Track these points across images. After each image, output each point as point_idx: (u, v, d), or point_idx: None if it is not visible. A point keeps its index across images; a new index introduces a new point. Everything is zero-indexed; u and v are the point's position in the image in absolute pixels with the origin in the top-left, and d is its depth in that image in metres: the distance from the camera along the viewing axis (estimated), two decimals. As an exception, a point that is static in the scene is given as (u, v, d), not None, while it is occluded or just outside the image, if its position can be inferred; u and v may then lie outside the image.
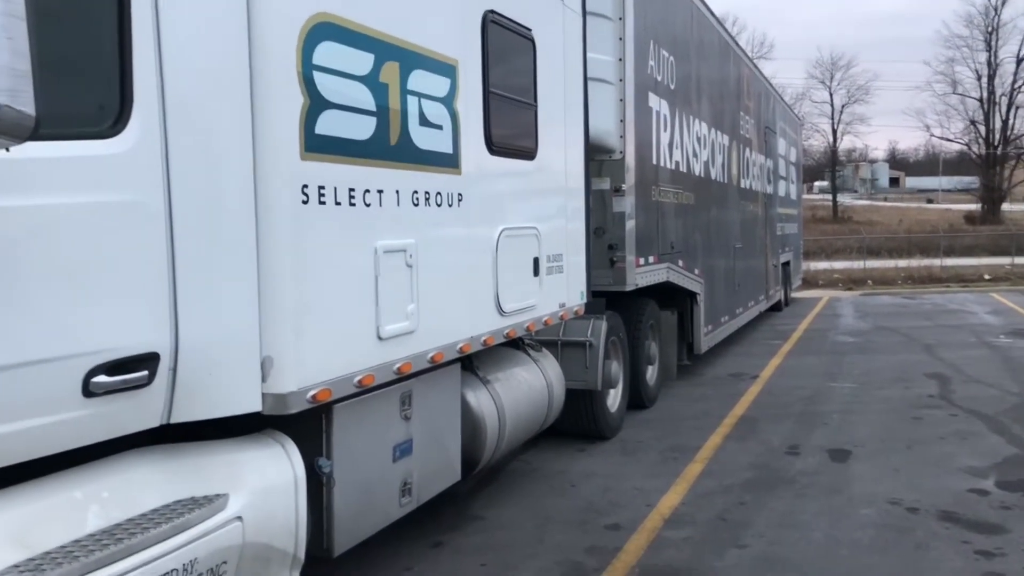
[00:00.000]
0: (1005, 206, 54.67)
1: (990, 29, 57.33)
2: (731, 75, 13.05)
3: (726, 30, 13.24)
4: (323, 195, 3.65)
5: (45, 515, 2.77)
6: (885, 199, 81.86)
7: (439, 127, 4.58)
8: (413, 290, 4.29)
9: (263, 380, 3.41)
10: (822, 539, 5.40)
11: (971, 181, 62.25)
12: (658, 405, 9.38)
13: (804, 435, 8.01)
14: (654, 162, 9.01)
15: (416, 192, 4.35)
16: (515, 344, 6.14)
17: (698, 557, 5.16)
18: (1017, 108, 56.69)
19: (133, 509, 3.01)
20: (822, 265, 30.76)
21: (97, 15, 2.93)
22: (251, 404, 3.40)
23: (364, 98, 3.94)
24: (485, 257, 5.14)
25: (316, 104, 3.61)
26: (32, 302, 2.65)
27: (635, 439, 7.98)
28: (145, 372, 3.02)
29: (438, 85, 4.56)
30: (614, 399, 8.23)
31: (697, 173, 10.86)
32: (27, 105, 2.11)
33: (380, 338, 4.04)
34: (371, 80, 3.98)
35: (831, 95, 64.85)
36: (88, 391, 2.84)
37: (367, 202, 3.95)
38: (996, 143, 57.19)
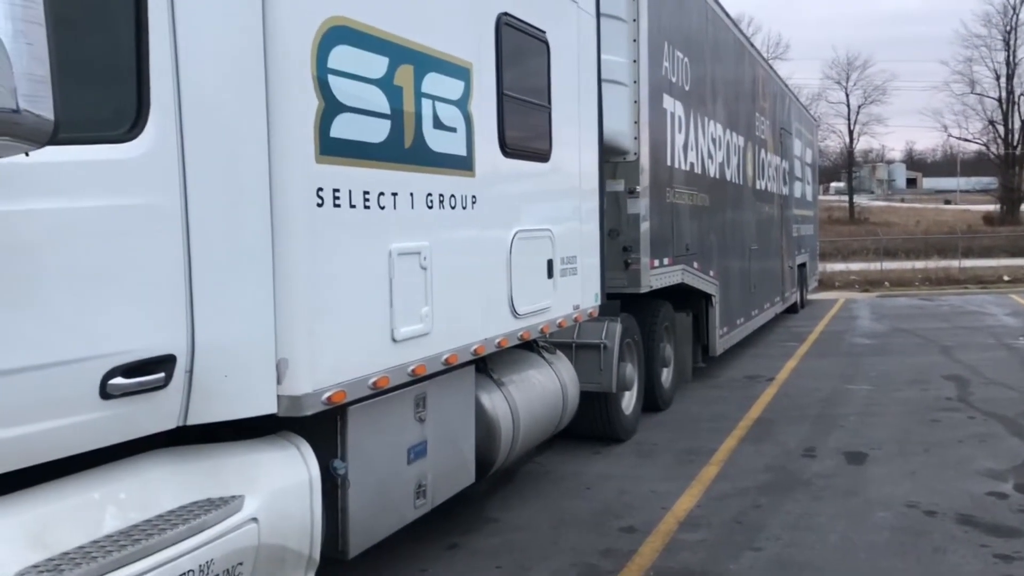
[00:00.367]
0: (1024, 207, 54.23)
1: (1009, 28, 56.97)
2: (746, 76, 13.00)
3: (741, 31, 13.21)
4: (338, 198, 3.67)
5: (63, 516, 2.80)
6: (902, 200, 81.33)
7: (453, 129, 4.59)
8: (427, 292, 4.31)
9: (278, 382, 3.43)
10: (838, 542, 5.37)
11: (990, 182, 61.79)
12: (673, 407, 9.35)
13: (820, 437, 7.97)
14: (669, 163, 8.99)
15: (430, 194, 4.36)
16: (529, 346, 6.14)
17: (713, 560, 5.14)
18: (1035, 108, 56.26)
19: (150, 510, 3.03)
20: (838, 267, 30.57)
21: (114, 21, 2.95)
22: (266, 406, 3.42)
23: (379, 101, 3.96)
24: (499, 259, 5.14)
25: (331, 107, 3.62)
26: (50, 305, 2.68)
27: (650, 441, 7.96)
28: (162, 374, 3.04)
29: (452, 88, 4.57)
30: (629, 401, 8.21)
31: (712, 174, 10.83)
32: (46, 110, 2.13)
33: (394, 340, 4.06)
34: (385, 83, 4.00)
35: (847, 95, 64.60)
36: (105, 393, 2.86)
37: (381, 205, 3.97)
38: (1015, 143, 56.76)
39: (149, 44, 2.98)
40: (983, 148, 61.86)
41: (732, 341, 11.79)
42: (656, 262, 8.44)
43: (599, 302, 6.81)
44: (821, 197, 31.52)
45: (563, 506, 6.17)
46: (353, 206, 3.77)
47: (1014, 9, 56.16)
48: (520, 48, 5.42)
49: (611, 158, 7.85)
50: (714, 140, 10.92)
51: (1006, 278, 26.95)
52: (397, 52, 4.08)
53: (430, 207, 4.36)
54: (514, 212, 5.36)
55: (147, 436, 3.14)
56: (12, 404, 2.61)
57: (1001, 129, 57.79)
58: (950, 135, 73.99)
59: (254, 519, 3.29)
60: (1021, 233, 37.74)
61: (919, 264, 30.03)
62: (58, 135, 2.20)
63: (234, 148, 3.28)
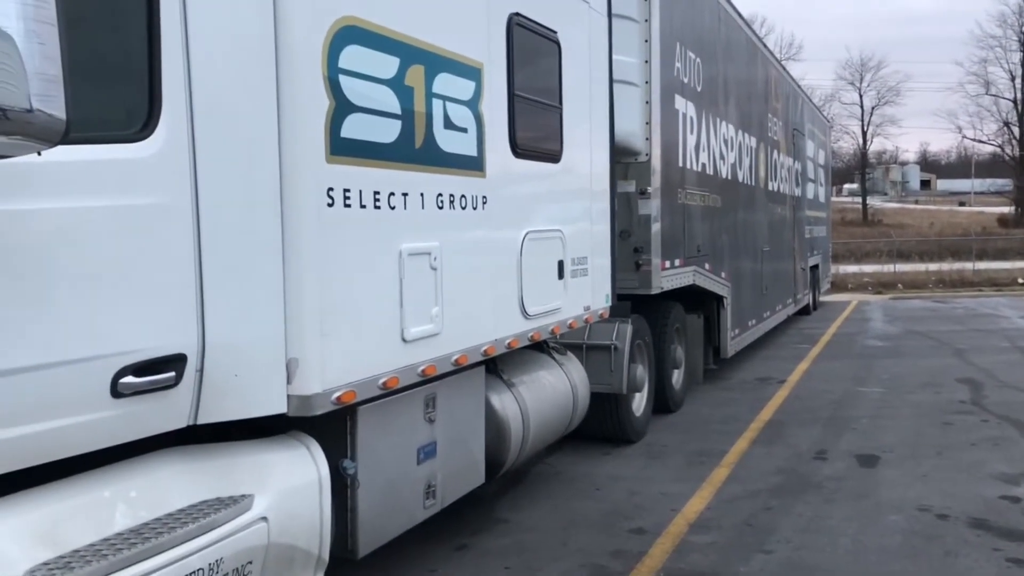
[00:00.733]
0: (1039, 208, 53.82)
1: (1024, 29, 56.52)
2: (758, 76, 12.96)
3: (753, 31, 13.16)
4: (348, 198, 3.67)
5: (74, 513, 2.81)
6: (916, 202, 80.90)
7: (464, 130, 4.59)
8: (437, 293, 4.31)
9: (288, 382, 3.44)
10: (849, 545, 5.34)
11: (1004, 183, 61.39)
12: (684, 409, 9.33)
13: (832, 440, 7.93)
14: (680, 164, 8.97)
15: (441, 195, 4.37)
16: (540, 347, 6.14)
17: (723, 562, 5.12)
18: (1052, 109, 55.85)
19: (160, 509, 3.04)
20: (851, 268, 30.44)
21: (126, 20, 2.97)
22: (276, 405, 3.43)
23: (389, 101, 3.96)
24: (509, 260, 5.14)
25: (342, 107, 3.63)
26: (62, 303, 2.69)
27: (661, 443, 7.94)
28: (172, 373, 3.05)
29: (463, 88, 4.58)
30: (639, 403, 8.19)
31: (724, 175, 10.80)
32: (58, 109, 2.14)
33: (404, 340, 4.06)
34: (396, 83, 4.00)
35: (861, 96, 64.31)
36: (116, 392, 2.87)
37: (392, 205, 3.97)
38: (1030, 145, 56.33)
39: (161, 44, 2.99)
40: (998, 150, 61.49)
41: (744, 343, 11.76)
42: (667, 263, 8.42)
43: (610, 303, 6.80)
44: (834, 198, 31.39)
45: (573, 507, 6.17)
46: (363, 206, 3.77)
47: (1030, 10, 55.79)
48: (531, 48, 5.41)
49: (622, 159, 7.83)
50: (726, 141, 10.89)
51: (1021, 280, 26.78)
52: (408, 52, 4.08)
53: (440, 207, 4.37)
54: (525, 213, 5.36)
55: (157, 435, 3.15)
56: (25, 402, 2.62)
57: (1016, 131, 57.41)
58: (964, 137, 73.65)
59: (263, 518, 3.30)
60: (1036, 235, 37.47)
61: (933, 266, 29.88)
62: (70, 134, 2.21)
63: (245, 148, 3.29)
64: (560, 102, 5.83)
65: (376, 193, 3.86)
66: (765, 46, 14.10)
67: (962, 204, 74.94)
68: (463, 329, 4.57)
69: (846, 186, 74.65)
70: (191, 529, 2.97)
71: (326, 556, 3.67)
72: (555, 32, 5.71)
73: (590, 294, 6.34)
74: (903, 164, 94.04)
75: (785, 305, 15.05)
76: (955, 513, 5.84)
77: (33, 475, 2.77)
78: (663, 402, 8.84)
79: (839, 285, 25.92)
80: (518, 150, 5.19)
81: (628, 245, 8.05)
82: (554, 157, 5.78)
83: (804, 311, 18.05)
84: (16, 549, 2.60)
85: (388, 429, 4.18)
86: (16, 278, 2.57)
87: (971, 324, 16.87)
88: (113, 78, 2.99)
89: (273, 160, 3.36)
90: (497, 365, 5.46)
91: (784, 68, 15.98)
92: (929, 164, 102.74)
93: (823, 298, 21.18)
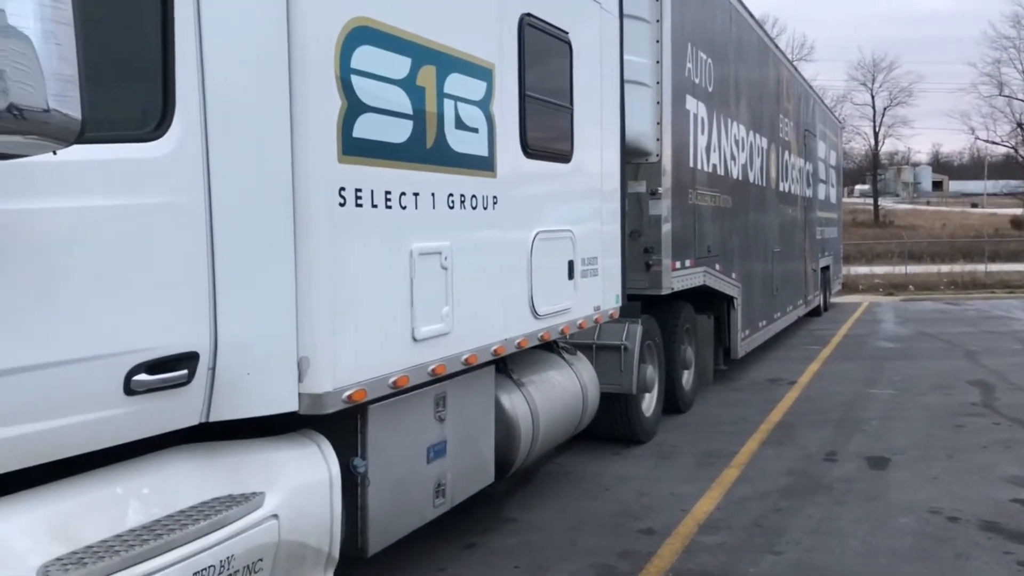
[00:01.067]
0: (1053, 210, 53.44)
1: (1038, 30, 56.08)
2: (770, 77, 12.93)
3: (765, 32, 13.13)
4: (360, 198, 3.69)
5: (87, 510, 2.84)
6: (928, 203, 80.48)
7: (475, 130, 4.60)
8: (448, 292, 4.32)
9: (299, 380, 3.45)
10: (859, 547, 5.32)
11: (1017, 185, 60.96)
12: (694, 410, 9.32)
13: (842, 442, 7.91)
14: (691, 165, 8.96)
15: (451, 195, 4.38)
16: (549, 347, 6.14)
17: (733, 563, 5.12)
18: (1065, 110, 55.45)
19: (172, 506, 3.06)
20: (862, 270, 30.33)
21: (141, 21, 2.99)
22: (288, 404, 3.45)
23: (401, 101, 3.97)
24: (520, 260, 5.15)
25: (354, 107, 3.64)
26: (76, 301, 2.72)
27: (670, 444, 7.94)
28: (185, 371, 3.07)
29: (474, 88, 4.59)
30: (649, 403, 8.19)
31: (735, 176, 10.78)
32: (74, 109, 2.16)
33: (415, 340, 4.07)
34: (408, 83, 4.02)
35: (873, 97, 63.93)
36: (129, 389, 2.89)
37: (403, 205, 3.98)
38: (1044, 146, 55.95)
39: (175, 44, 3.01)
40: (1011, 151, 60.95)
41: (754, 344, 11.73)
42: (678, 264, 8.41)
43: (620, 303, 6.80)
44: (845, 199, 31.24)
45: (582, 507, 6.17)
46: (375, 206, 3.79)
47: (1044, 10, 55.42)
48: (543, 49, 5.42)
49: (633, 159, 7.83)
50: (737, 142, 10.87)
51: (1033, 282, 26.61)
52: (420, 52, 4.09)
53: (451, 207, 4.38)
54: (535, 213, 5.37)
55: (169, 432, 3.18)
56: (39, 399, 2.65)
57: (1029, 132, 56.98)
58: (977, 138, 73.14)
59: (274, 516, 3.32)
60: (1049, 237, 37.24)
61: (944, 268, 29.74)
62: (85, 134, 2.23)
63: (258, 147, 3.30)
64: (571, 102, 5.83)
65: (387, 193, 3.87)
66: (777, 47, 14.07)
67: (974, 206, 74.50)
68: (473, 329, 4.58)
69: (858, 187, 74.34)
70: (202, 526, 2.99)
71: (336, 554, 3.69)
72: (566, 32, 5.71)
73: (600, 294, 6.34)
74: (915, 165, 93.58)
75: (796, 306, 15.01)
76: (966, 516, 5.82)
77: (48, 472, 2.79)
78: (673, 402, 8.84)
79: (850, 286, 25.82)
80: (529, 150, 5.19)
81: (638, 245, 8.05)
82: (565, 157, 5.78)
83: (815, 312, 18.00)
84: (30, 545, 2.62)
85: (398, 428, 4.19)
86: (31, 276, 2.59)
87: (983, 326, 16.79)
88: (128, 78, 3.01)
89: (285, 160, 3.38)
90: (507, 365, 5.47)
91: (796, 69, 15.93)
92: (941, 165, 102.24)
93: (834, 299, 21.12)
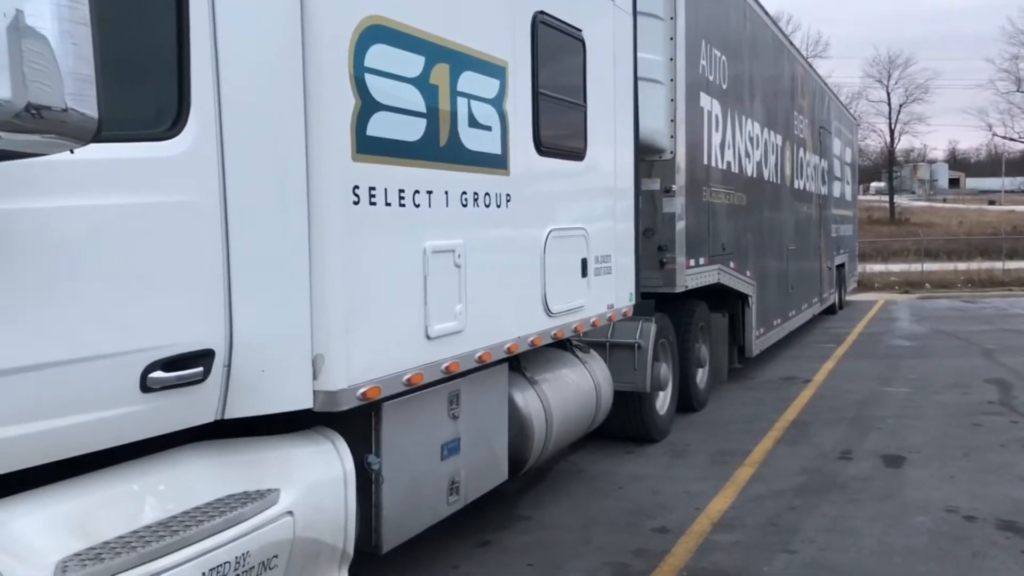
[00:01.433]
0: (1071, 207, 52.96)
1: (1056, 25, 55.60)
2: (784, 74, 12.87)
3: (780, 28, 13.07)
4: (374, 196, 3.70)
5: (105, 506, 2.86)
6: (944, 200, 79.94)
7: (488, 128, 4.60)
8: (461, 290, 4.33)
9: (314, 377, 3.47)
10: (874, 546, 5.30)
11: (1035, 182, 60.42)
12: (708, 408, 9.30)
13: (857, 440, 7.87)
14: (705, 162, 8.94)
15: (465, 193, 4.38)
16: (563, 345, 6.14)
17: (747, 561, 5.10)
18: (1084, 106, 54.93)
19: (188, 502, 3.08)
20: (878, 268, 30.14)
21: (157, 21, 3.01)
22: (302, 401, 3.46)
23: (415, 100, 3.98)
24: (533, 258, 5.15)
25: (367, 106, 3.66)
26: (93, 299, 2.74)
27: (684, 442, 7.92)
28: (200, 368, 3.09)
29: (488, 86, 4.59)
30: (663, 401, 8.17)
31: (749, 173, 10.74)
32: (91, 108, 2.18)
33: (428, 337, 4.08)
34: (421, 82, 4.03)
35: (888, 94, 63.56)
36: (145, 386, 2.92)
37: (416, 203, 3.99)
38: (1062, 142, 55.45)
39: (190, 43, 3.03)
40: (1029, 147, 60.54)
41: (769, 342, 11.69)
42: (692, 262, 8.39)
43: (634, 301, 6.79)
44: (861, 197, 31.11)
45: (595, 505, 6.17)
46: (388, 204, 3.80)
47: (1062, 5, 54.89)
48: (556, 46, 5.42)
49: (647, 157, 7.82)
50: (751, 139, 10.83)
51: (1052, 280, 26.38)
52: (433, 51, 4.10)
53: (464, 205, 4.38)
54: (548, 211, 5.37)
55: (185, 429, 3.20)
56: (57, 396, 2.67)
57: (1048, 128, 56.49)
58: (995, 134, 72.35)
59: (289, 513, 3.33)
60: (1068, 234, 36.88)
61: (961, 265, 29.51)
62: (102, 133, 2.24)
63: (272, 146, 3.32)
64: (584, 100, 5.83)
65: (401, 191, 3.89)
66: (791, 43, 14.00)
67: (992, 203, 73.98)
68: (486, 326, 4.59)
69: (873, 184, 73.94)
70: (218, 523, 3.01)
71: (351, 551, 3.70)
72: (580, 30, 5.71)
73: (614, 292, 6.34)
74: (931, 162, 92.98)
75: (811, 304, 14.94)
76: (983, 515, 5.78)
77: (66, 468, 2.82)
78: (687, 401, 8.82)
79: (866, 284, 25.67)
80: (542, 148, 5.19)
81: (652, 243, 8.03)
82: (578, 155, 5.78)
83: (830, 310, 17.91)
84: (49, 539, 2.65)
85: (412, 425, 4.20)
86: (48, 275, 2.62)
87: (1000, 324, 16.66)
88: (143, 77, 3.03)
89: (300, 158, 3.39)
90: (520, 363, 5.47)
91: (810, 66, 15.85)
92: (958, 162, 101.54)
93: (849, 297, 21.00)
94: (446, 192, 4.22)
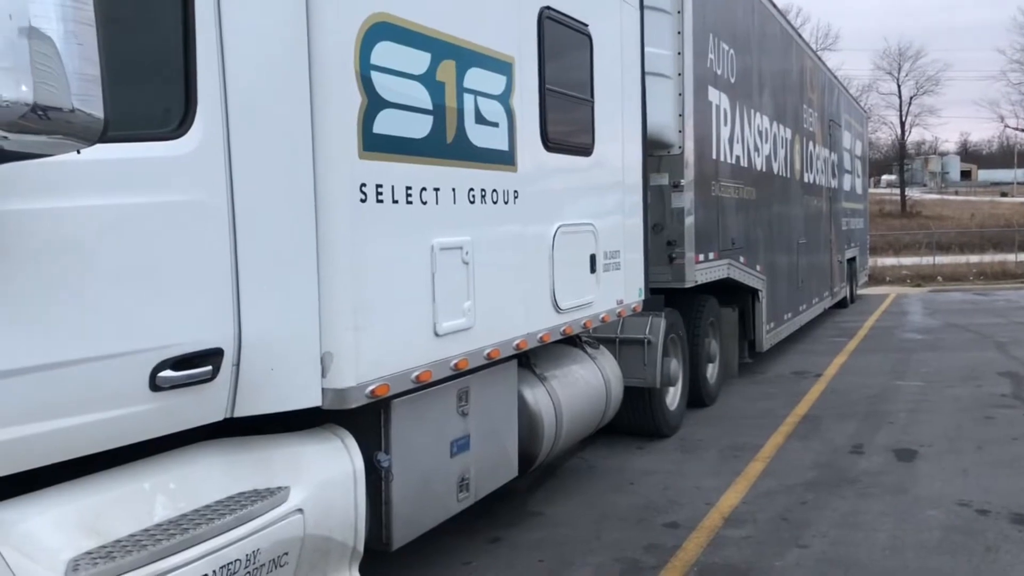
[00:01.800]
0: (1084, 199, 52.59)
1: (1068, 15, 55.16)
2: (793, 67, 12.82)
3: (788, 21, 13.01)
4: (381, 193, 3.70)
5: (115, 505, 2.88)
6: (956, 193, 79.43)
7: (495, 124, 4.60)
8: (469, 287, 4.32)
9: (323, 375, 3.48)
10: (887, 540, 5.28)
11: (1048, 173, 60.03)
12: (719, 403, 9.28)
13: (869, 434, 7.84)
14: (714, 157, 8.91)
15: (472, 190, 4.38)
16: (572, 341, 6.14)
17: (758, 556, 5.09)
18: (1097, 97, 54.51)
19: (198, 500, 3.10)
20: (889, 261, 30.03)
21: (162, 20, 3.01)
22: (311, 399, 3.47)
23: (421, 97, 3.98)
24: (541, 254, 5.14)
25: (374, 103, 3.66)
26: (101, 299, 2.75)
27: (695, 437, 7.91)
28: (209, 367, 3.10)
29: (494, 83, 4.58)
30: (673, 397, 8.16)
31: (759, 167, 10.70)
32: (97, 108, 2.18)
33: (437, 335, 4.08)
34: (428, 79, 4.02)
35: (899, 86, 63.21)
36: (155, 386, 2.93)
37: (424, 200, 3.99)
38: (1075, 133, 55.04)
39: (196, 43, 3.03)
40: (1041, 139, 60.13)
41: (779, 337, 11.66)
42: (701, 256, 8.37)
43: (643, 297, 6.77)
44: (872, 190, 30.91)
45: (606, 501, 6.17)
46: (396, 201, 3.80)
47: (1074, -5, 54.43)
48: (562, 42, 5.40)
49: (655, 152, 7.80)
50: (760, 133, 10.79)
51: (1065, 272, 26.21)
52: (439, 48, 4.10)
53: (472, 202, 4.38)
54: (556, 206, 5.36)
55: (195, 428, 3.21)
56: (67, 396, 2.68)
57: (1060, 119, 56.09)
58: (1007, 126, 71.91)
59: (299, 510, 3.34)
60: (1081, 226, 36.60)
61: (973, 258, 29.37)
62: (108, 133, 2.25)
63: (279, 144, 3.33)
64: (592, 95, 5.81)
65: (408, 188, 3.89)
66: (800, 36, 13.93)
67: (1004, 195, 73.44)
68: (495, 323, 4.59)
69: (884, 177, 73.51)
70: (229, 520, 3.02)
71: (361, 548, 3.71)
72: (586, 25, 5.69)
73: (623, 288, 6.33)
74: (943, 154, 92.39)
75: (822, 298, 14.89)
76: (996, 508, 5.75)
77: (76, 467, 2.83)
78: (697, 396, 8.80)
79: (877, 278, 25.56)
80: (549, 144, 5.19)
81: (661, 238, 8.01)
82: (586, 150, 5.77)
83: (841, 304, 17.84)
84: (61, 538, 2.66)
85: (421, 422, 4.21)
86: (58, 275, 2.63)
87: (1013, 317, 16.56)
88: (149, 77, 3.04)
89: (307, 156, 3.40)
90: (529, 359, 5.47)
91: (820, 59, 15.77)
92: (970, 154, 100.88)
93: (860, 291, 20.91)
94: (453, 189, 4.22)
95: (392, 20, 3.77)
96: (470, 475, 4.62)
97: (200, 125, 3.05)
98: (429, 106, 4.03)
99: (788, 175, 12.41)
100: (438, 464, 4.37)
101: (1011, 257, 29.14)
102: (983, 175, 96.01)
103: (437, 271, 4.07)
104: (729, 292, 9.83)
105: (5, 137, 2.05)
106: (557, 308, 5.30)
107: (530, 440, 5.31)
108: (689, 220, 8.14)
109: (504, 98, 4.68)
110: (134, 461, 3.03)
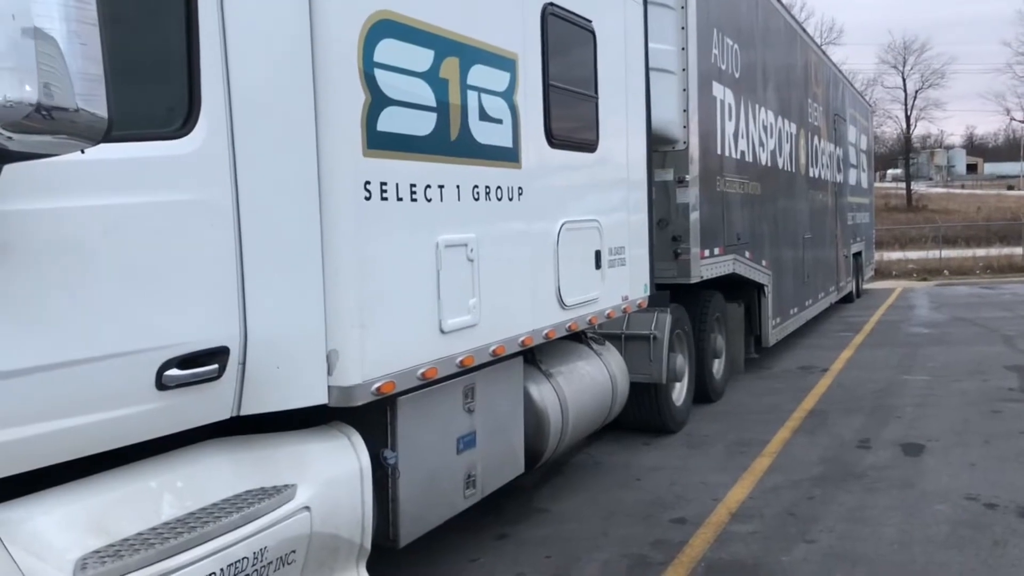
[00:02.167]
0: (1091, 191, 52.38)
1: (1074, 7, 54.90)
2: (798, 62, 12.78)
3: (792, 16, 12.97)
4: (385, 191, 3.70)
5: (123, 503, 2.88)
6: (962, 186, 79.17)
7: (499, 121, 4.59)
8: (475, 284, 4.32)
9: (329, 373, 3.48)
10: (894, 534, 5.27)
11: (1055, 166, 59.81)
12: (725, 399, 9.27)
13: (876, 429, 7.82)
14: (719, 152, 8.89)
15: (477, 186, 4.38)
16: (578, 337, 6.13)
17: (765, 551, 5.09)
18: (1104, 89, 54.26)
19: (205, 498, 3.10)
20: (895, 255, 29.93)
21: (165, 20, 3.02)
22: (317, 397, 3.47)
23: (425, 94, 3.98)
24: (546, 250, 5.14)
25: (378, 101, 3.65)
26: (107, 298, 2.75)
27: (701, 433, 7.90)
28: (215, 366, 3.11)
29: (498, 79, 4.58)
30: (679, 392, 8.16)
31: (763, 162, 10.68)
32: (100, 108, 2.18)
33: (442, 331, 4.08)
34: (431, 76, 4.02)
35: (904, 80, 62.96)
36: (161, 384, 2.93)
37: (428, 197, 3.99)
38: (1081, 126, 54.79)
39: (199, 42, 3.03)
40: (1047, 131, 59.89)
41: (785, 331, 11.63)
42: (706, 252, 8.36)
43: (648, 293, 6.77)
44: (878, 184, 30.88)
45: (613, 497, 6.17)
46: (400, 199, 3.80)
47: (1080, -13, 54.15)
48: (566, 38, 5.40)
49: (660, 147, 7.78)
50: (765, 128, 10.76)
51: (1072, 265, 26.10)
52: (443, 45, 4.09)
53: (476, 199, 4.38)
54: (561, 203, 5.35)
55: (201, 426, 3.21)
56: (74, 395, 2.69)
57: (1067, 111, 55.85)
58: (1013, 118, 71.75)
59: (306, 508, 3.35)
60: (1088, 219, 36.44)
61: (980, 252, 29.26)
62: (112, 132, 2.25)
63: (283, 143, 3.33)
64: (596, 91, 5.80)
65: (412, 186, 3.88)
66: (804, 31, 13.89)
67: (1010, 188, 73.18)
68: (500, 320, 4.59)
69: (890, 171, 73.34)
70: (236, 519, 3.03)
71: (368, 545, 3.72)
72: (590, 21, 5.68)
73: (628, 284, 6.32)
74: (948, 148, 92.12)
75: (827, 293, 14.86)
76: (1004, 502, 5.74)
77: (83, 466, 2.84)
78: (703, 392, 8.79)
79: (883, 272, 25.50)
80: (554, 140, 5.18)
81: (666, 234, 8.00)
82: (590, 147, 5.76)
83: (847, 299, 17.80)
84: (68, 537, 2.67)
85: (428, 419, 4.21)
86: (63, 274, 2.63)
87: (1020, 311, 16.49)
88: (153, 76, 3.04)
89: (311, 154, 3.40)
90: (535, 356, 5.47)
91: (824, 53, 15.73)
92: (976, 147, 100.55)
93: (867, 285, 20.87)
94: (458, 186, 4.22)
95: (395, 17, 3.77)
96: (476, 472, 4.63)
97: (204, 124, 3.05)
98: (433, 103, 4.03)
99: (793, 170, 12.39)
100: (444, 461, 4.38)
101: (1018, 250, 28.99)
102: (989, 168, 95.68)
103: (442, 268, 4.07)
104: (735, 287, 9.82)
105: (9, 137, 2.05)
106: (562, 304, 5.29)
107: (536, 436, 5.31)
108: (694, 215, 8.13)
109: (508, 95, 4.67)
110: (141, 460, 3.04)
